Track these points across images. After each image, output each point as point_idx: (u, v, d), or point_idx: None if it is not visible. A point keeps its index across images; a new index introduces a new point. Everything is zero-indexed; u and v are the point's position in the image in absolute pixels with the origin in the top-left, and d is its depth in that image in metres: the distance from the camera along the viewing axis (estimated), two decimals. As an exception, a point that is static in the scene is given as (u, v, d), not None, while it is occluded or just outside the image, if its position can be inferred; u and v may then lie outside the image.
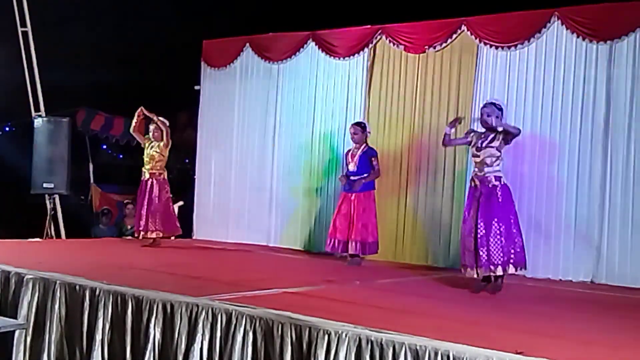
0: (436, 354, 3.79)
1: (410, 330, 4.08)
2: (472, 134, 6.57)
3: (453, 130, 6.83)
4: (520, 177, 7.88)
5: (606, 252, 7.49)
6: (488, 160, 6.30)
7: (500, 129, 6.27)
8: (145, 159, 8.98)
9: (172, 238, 9.30)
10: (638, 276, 7.28)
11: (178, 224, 9.18)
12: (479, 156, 6.35)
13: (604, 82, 7.59)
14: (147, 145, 9.01)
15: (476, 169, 6.38)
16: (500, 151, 6.32)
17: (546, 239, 7.77)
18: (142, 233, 8.86)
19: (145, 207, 8.80)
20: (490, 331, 4.56)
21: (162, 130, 8.92)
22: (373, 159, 7.99)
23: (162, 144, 8.93)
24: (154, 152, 8.93)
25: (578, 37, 7.73)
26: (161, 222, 8.83)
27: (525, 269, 6.40)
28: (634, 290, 7.04)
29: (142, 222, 8.81)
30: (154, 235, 8.82)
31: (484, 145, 6.34)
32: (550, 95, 7.87)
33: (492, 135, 6.35)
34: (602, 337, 4.70)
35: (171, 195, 9.10)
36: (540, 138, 7.91)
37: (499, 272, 6.10)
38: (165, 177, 9.03)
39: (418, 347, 3.84)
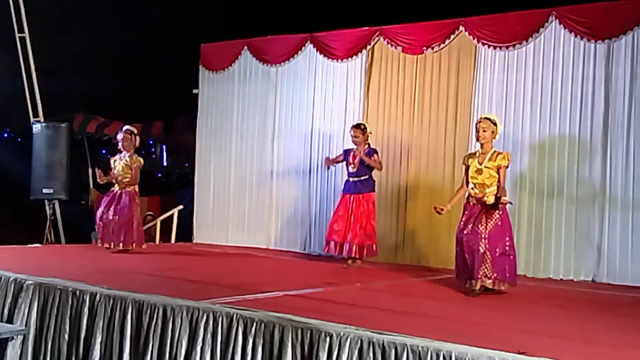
0: (438, 355, 3.79)
1: (412, 331, 4.08)
2: (467, 159, 6.36)
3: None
4: (519, 177, 7.89)
5: (607, 250, 7.48)
6: (487, 182, 6.13)
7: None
8: (115, 172, 8.50)
9: (144, 246, 8.69)
10: (639, 274, 7.27)
11: (143, 237, 8.71)
12: (477, 178, 6.16)
13: (602, 81, 7.59)
14: (116, 161, 8.57)
15: (476, 190, 6.16)
16: (498, 172, 6.11)
17: (547, 238, 7.76)
18: (105, 243, 8.41)
19: (112, 218, 8.34)
20: (492, 331, 4.55)
21: (131, 139, 8.53)
22: (374, 154, 7.88)
23: (129, 156, 8.50)
24: (123, 164, 8.49)
25: (576, 36, 7.73)
26: (128, 234, 8.36)
27: (515, 285, 6.15)
28: (636, 289, 7.03)
29: (108, 233, 8.35)
30: (120, 247, 8.39)
31: (482, 165, 6.16)
32: (548, 95, 7.87)
33: (489, 154, 6.19)
34: (604, 336, 4.69)
35: (139, 208, 8.64)
36: (539, 137, 7.90)
37: (495, 286, 5.97)
38: (137, 189, 8.54)
39: (420, 348, 3.84)
